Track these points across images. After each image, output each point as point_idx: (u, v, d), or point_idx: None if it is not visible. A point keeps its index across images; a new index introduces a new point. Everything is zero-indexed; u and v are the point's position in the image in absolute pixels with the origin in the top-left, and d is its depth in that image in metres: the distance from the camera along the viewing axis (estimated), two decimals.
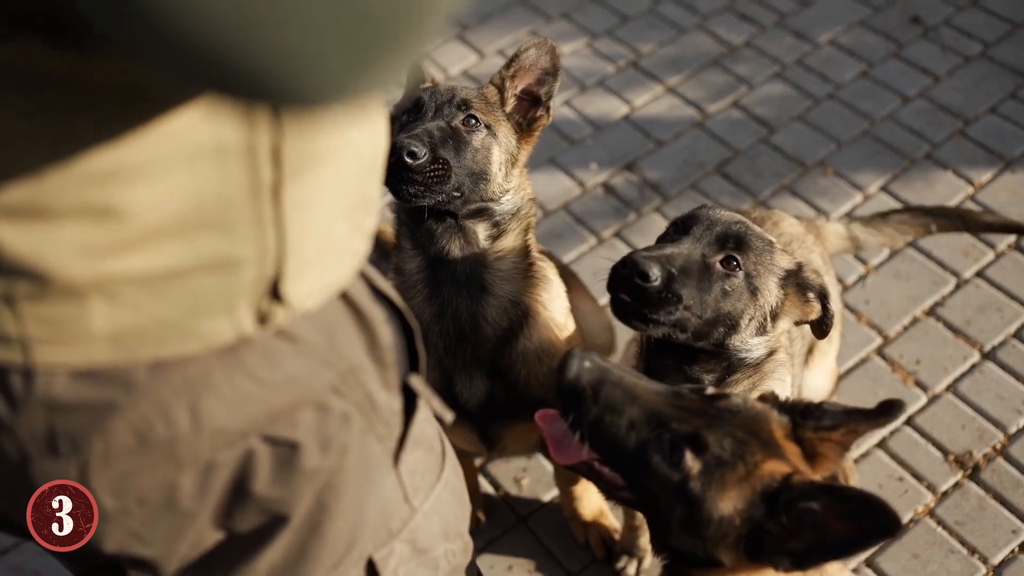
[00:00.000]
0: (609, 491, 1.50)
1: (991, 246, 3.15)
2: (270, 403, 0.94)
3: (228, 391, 0.90)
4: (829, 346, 2.49)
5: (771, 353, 1.83)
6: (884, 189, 3.36)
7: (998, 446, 2.67)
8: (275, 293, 0.88)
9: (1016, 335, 2.91)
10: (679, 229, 1.79)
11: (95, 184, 0.77)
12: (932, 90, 3.66)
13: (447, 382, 2.09)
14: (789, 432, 1.43)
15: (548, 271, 2.14)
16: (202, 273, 0.84)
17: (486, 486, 2.71)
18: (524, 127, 2.02)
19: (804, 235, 2.44)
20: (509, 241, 2.00)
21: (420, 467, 1.23)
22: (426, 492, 1.24)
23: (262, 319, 0.89)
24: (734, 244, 1.74)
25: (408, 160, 1.76)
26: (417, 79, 2.06)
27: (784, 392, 1.86)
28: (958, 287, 3.05)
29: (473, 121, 1.90)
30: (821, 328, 1.84)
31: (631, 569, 2.49)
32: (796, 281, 1.79)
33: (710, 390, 1.47)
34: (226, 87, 0.64)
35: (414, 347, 1.14)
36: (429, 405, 1.19)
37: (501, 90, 2.02)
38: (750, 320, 1.74)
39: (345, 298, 1.01)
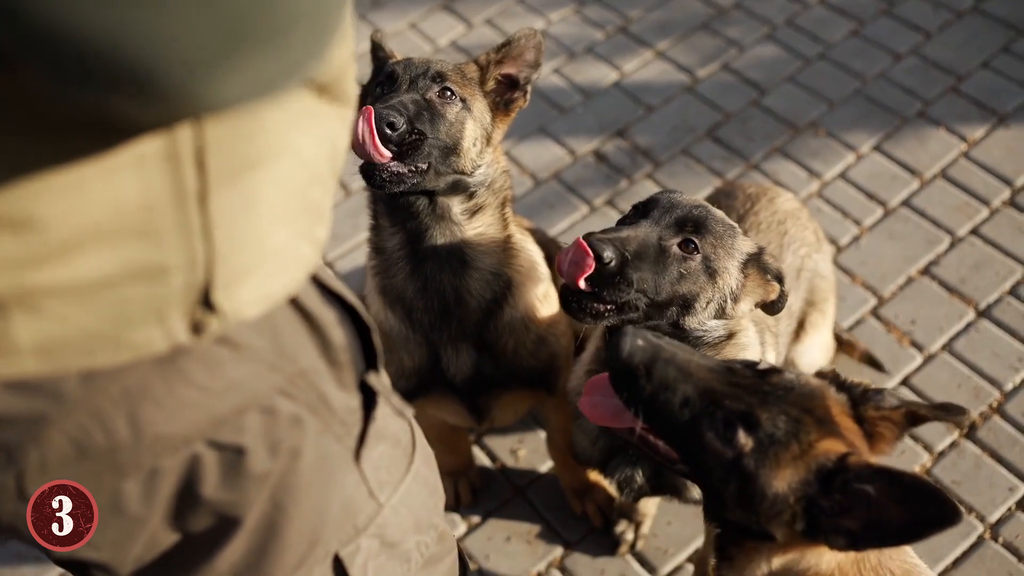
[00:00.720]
0: (664, 464, 1.48)
1: (985, 203, 3.07)
2: (213, 409, 0.92)
3: (168, 399, 0.88)
4: (821, 318, 2.44)
5: (731, 336, 1.79)
6: (877, 148, 3.28)
7: (994, 404, 2.62)
8: (207, 302, 0.85)
9: (1011, 292, 2.85)
10: (639, 212, 1.76)
11: (8, 196, 0.73)
12: (924, 47, 3.56)
13: (434, 357, 2.06)
14: (847, 409, 1.39)
15: (527, 242, 2.12)
16: (128, 282, 0.81)
17: (483, 458, 2.67)
18: (501, 106, 2.00)
19: (799, 211, 2.39)
20: (487, 215, 1.97)
21: (386, 462, 1.20)
22: (394, 486, 1.21)
23: (196, 328, 0.86)
24: (692, 227, 1.70)
25: (388, 131, 1.73)
26: (383, 56, 2.03)
27: None
28: (952, 245, 2.99)
29: (448, 94, 1.86)
30: (774, 308, 1.81)
31: (629, 534, 2.46)
32: (758, 264, 1.76)
33: (763, 365, 1.43)
34: (100, 82, 0.63)
35: (371, 344, 1.12)
36: (388, 402, 1.17)
37: (484, 70, 1.98)
38: (708, 302, 1.71)
39: (293, 302, 0.98)
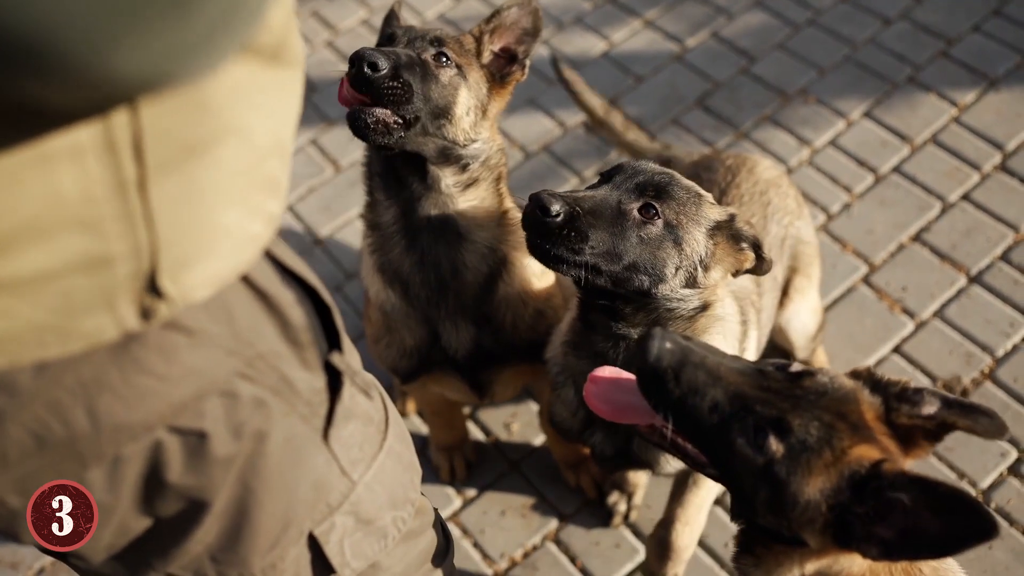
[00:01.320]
0: (694, 466, 1.43)
1: (976, 168, 3.00)
2: (171, 396, 0.91)
3: (125, 388, 0.87)
4: (808, 283, 2.38)
5: (705, 307, 1.72)
6: (867, 115, 3.19)
7: (986, 370, 2.56)
8: (154, 288, 0.82)
9: (1002, 257, 2.78)
10: (603, 179, 1.70)
11: None
12: (914, 11, 3.47)
13: (434, 335, 2.01)
14: (881, 414, 1.32)
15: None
16: (72, 274, 0.78)
17: (476, 432, 2.62)
18: (497, 79, 1.92)
19: (779, 178, 2.33)
20: (481, 189, 1.91)
21: (357, 440, 1.17)
22: (367, 463, 1.19)
23: (145, 314, 0.84)
24: (654, 192, 1.63)
25: (368, 71, 1.65)
26: (395, 26, 1.96)
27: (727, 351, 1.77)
28: (943, 211, 2.92)
29: (444, 59, 1.79)
30: (759, 272, 1.75)
31: (622, 505, 2.42)
32: (729, 232, 1.69)
33: (796, 367, 1.36)
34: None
35: (333, 324, 1.09)
36: (354, 382, 1.14)
37: (479, 43, 1.91)
38: (676, 269, 1.64)
39: (250, 284, 0.96)
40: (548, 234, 1.58)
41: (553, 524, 2.44)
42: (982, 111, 3.14)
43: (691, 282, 1.67)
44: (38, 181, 0.73)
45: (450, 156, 1.83)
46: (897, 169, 3.04)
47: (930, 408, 1.31)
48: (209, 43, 0.66)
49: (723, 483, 1.42)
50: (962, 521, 1.14)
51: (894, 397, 1.33)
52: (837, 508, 1.25)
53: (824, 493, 1.26)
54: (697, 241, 1.65)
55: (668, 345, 1.35)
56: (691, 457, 1.40)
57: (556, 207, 1.56)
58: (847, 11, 3.51)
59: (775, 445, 1.28)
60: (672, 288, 1.65)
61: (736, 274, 1.75)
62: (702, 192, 1.71)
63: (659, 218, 1.62)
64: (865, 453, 1.26)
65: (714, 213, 1.69)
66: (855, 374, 1.39)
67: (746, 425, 1.30)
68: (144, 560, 1.05)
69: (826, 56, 3.39)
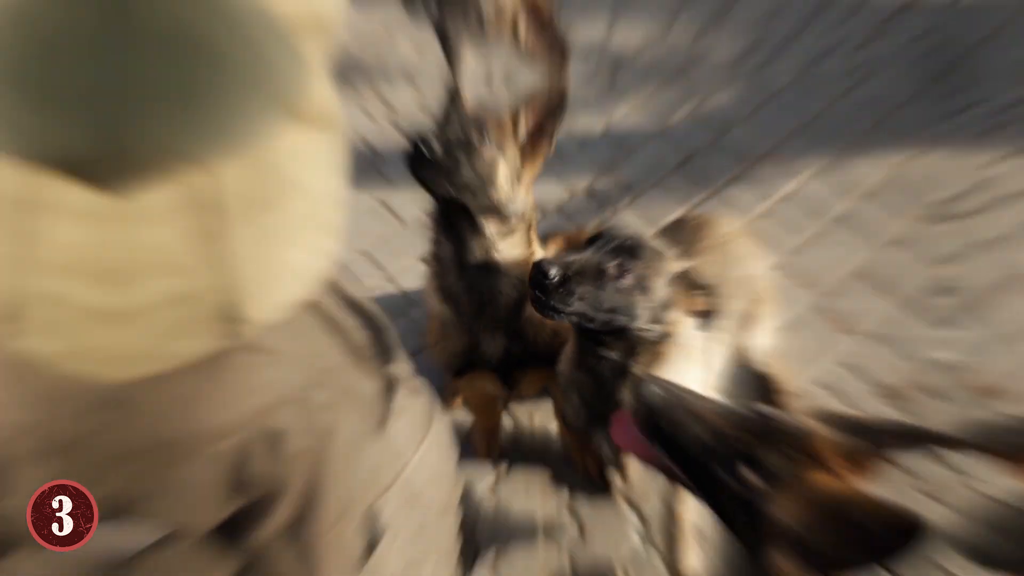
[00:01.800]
0: (687, 491, 1.57)
1: (907, 217, 3.36)
2: (256, 403, 1.00)
3: (218, 398, 0.97)
4: (767, 310, 2.72)
5: (668, 336, 1.98)
6: (816, 176, 3.62)
7: (916, 381, 2.82)
8: (236, 315, 0.91)
9: (931, 290, 3.05)
10: (589, 242, 1.97)
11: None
12: (860, 87, 3.90)
13: (475, 342, 2.38)
14: (839, 447, 1.41)
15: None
16: (168, 308, 0.87)
17: (507, 421, 2.99)
18: (529, 152, 2.16)
19: (737, 230, 2.70)
20: (517, 236, 2.24)
21: (406, 431, 1.32)
22: (414, 448, 1.34)
23: (230, 335, 0.92)
24: (627, 254, 1.91)
25: (424, 150, 1.98)
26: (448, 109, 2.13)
27: (684, 378, 1.94)
28: (882, 250, 3.23)
29: (486, 139, 2.05)
30: (708, 317, 2.01)
31: (621, 484, 2.65)
32: (685, 281, 1.95)
33: (765, 409, 1.48)
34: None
35: (387, 341, 1.26)
36: (406, 385, 1.29)
37: (515, 121, 2.15)
38: (645, 310, 1.93)
39: (321, 313, 1.08)
40: (547, 291, 1.87)
41: (567, 496, 2.70)
42: (915, 169, 3.62)
43: (656, 320, 1.96)
44: (144, 232, 0.81)
45: (492, 211, 2.13)
46: (842, 218, 3.52)
47: (874, 440, 1.39)
48: (234, 123, 0.73)
49: (710, 508, 1.51)
50: (905, 532, 1.22)
51: (847, 431, 1.43)
52: (802, 531, 1.32)
53: (791, 519, 1.34)
54: (660, 289, 1.94)
55: (657, 390, 1.51)
56: (684, 483, 1.53)
57: (553, 271, 1.85)
58: (803, 88, 4.05)
59: (748, 476, 1.39)
60: (641, 324, 1.96)
61: (692, 313, 2.00)
62: (664, 250, 1.99)
63: (630, 273, 1.91)
64: (823, 480, 1.36)
65: (674, 267, 1.98)
66: (818, 415, 1.50)
67: (722, 458, 1.42)
68: (233, 536, 1.12)
69: (783, 126, 3.92)
